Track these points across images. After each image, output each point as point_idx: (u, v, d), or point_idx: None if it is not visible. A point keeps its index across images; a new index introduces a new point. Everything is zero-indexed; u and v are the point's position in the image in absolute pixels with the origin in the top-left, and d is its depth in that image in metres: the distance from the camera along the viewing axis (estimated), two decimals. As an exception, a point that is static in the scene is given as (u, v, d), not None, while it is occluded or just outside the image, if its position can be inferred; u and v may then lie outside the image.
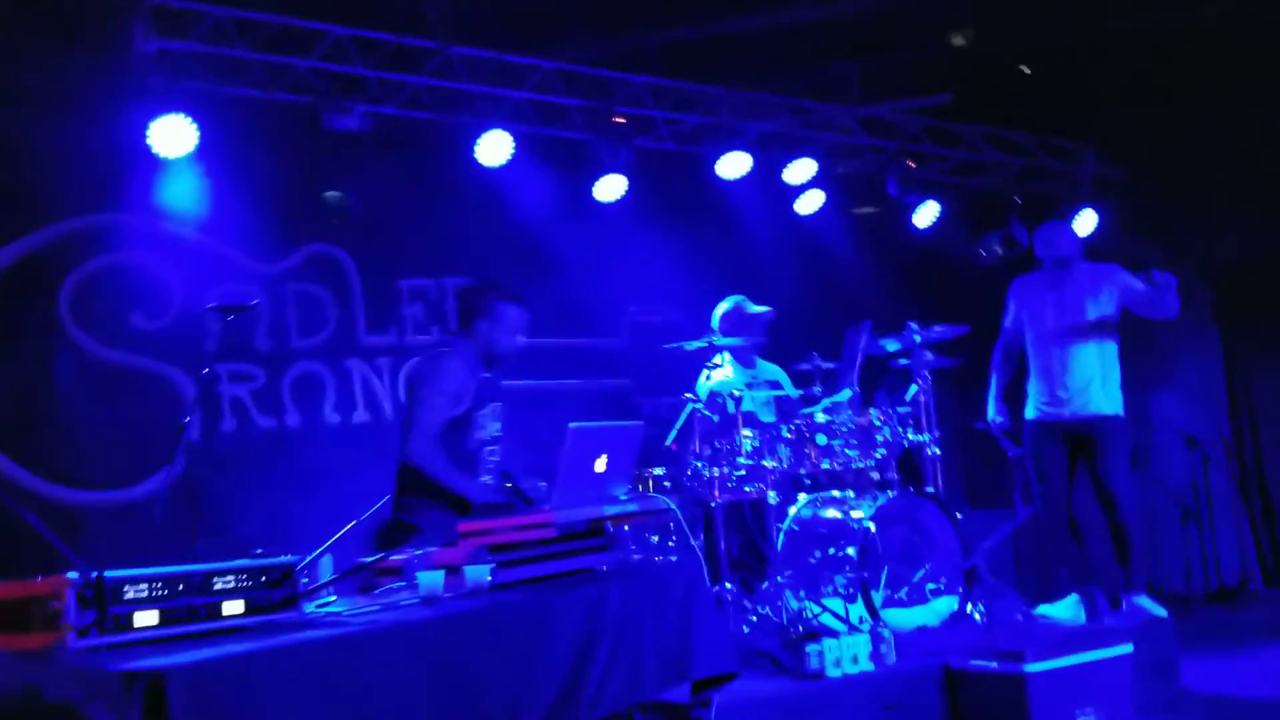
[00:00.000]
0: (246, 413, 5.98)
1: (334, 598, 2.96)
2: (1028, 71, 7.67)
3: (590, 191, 6.40)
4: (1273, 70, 7.14)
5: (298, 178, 5.89)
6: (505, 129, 5.91)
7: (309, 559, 2.86)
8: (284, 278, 6.10)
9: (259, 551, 2.89)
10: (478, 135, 5.89)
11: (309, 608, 2.82)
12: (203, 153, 5.28)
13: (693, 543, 3.46)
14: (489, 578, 2.99)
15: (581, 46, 6.14)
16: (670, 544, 4.24)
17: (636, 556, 3.76)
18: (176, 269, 5.78)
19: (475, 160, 5.93)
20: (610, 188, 6.35)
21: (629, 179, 6.32)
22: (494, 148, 5.90)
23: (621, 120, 6.05)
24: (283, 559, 2.76)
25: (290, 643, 2.49)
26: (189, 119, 5.13)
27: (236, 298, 4.82)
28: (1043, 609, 5.42)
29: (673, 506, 3.44)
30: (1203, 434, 7.84)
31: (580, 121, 6.23)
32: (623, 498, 3.41)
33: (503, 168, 5.99)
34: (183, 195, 5.63)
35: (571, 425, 3.20)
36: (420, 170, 6.23)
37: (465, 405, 4.11)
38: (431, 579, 2.91)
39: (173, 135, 5.18)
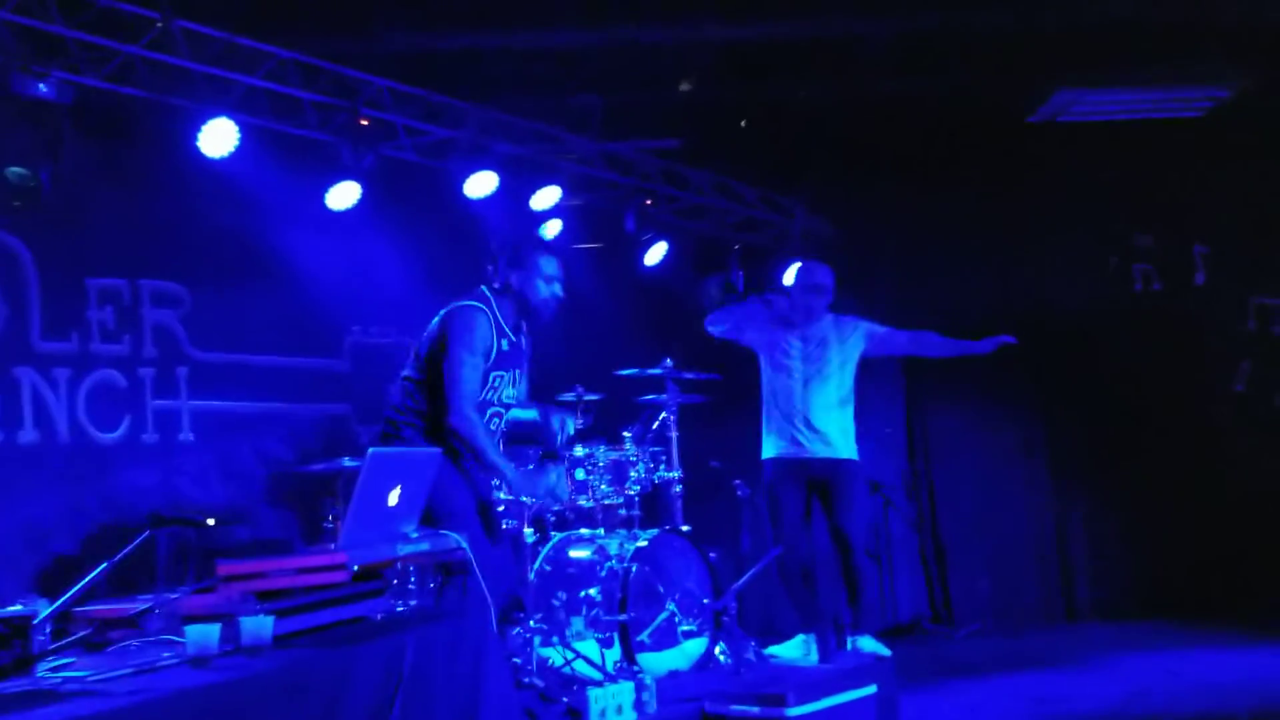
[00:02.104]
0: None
1: (73, 659, 2.38)
2: (744, 125, 7.99)
3: (320, 197, 5.85)
4: (968, 148, 7.87)
5: (-30, 149, 4.96)
6: (230, 117, 5.29)
7: (49, 611, 2.28)
8: (-61, 267, 5.11)
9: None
10: (197, 121, 5.22)
11: (42, 671, 2.24)
12: None
13: (483, 587, 3.12)
14: (270, 630, 2.53)
15: (323, 39, 5.64)
16: (450, 587, 3.85)
17: (428, 601, 3.37)
18: None
19: (192, 149, 5.24)
20: (344, 195, 5.83)
21: (364, 187, 5.85)
22: (217, 137, 5.25)
23: (365, 123, 5.59)
24: (12, 610, 2.18)
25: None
26: None
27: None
28: (773, 649, 5.47)
29: (464, 546, 3.10)
30: (886, 479, 8.35)
31: (314, 119, 5.71)
32: (413, 535, 3.03)
33: (224, 161, 5.34)
34: None
35: (371, 450, 2.79)
36: (125, 154, 5.45)
37: (485, 365, 3.99)
38: (203, 634, 2.41)
39: None
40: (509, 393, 4.15)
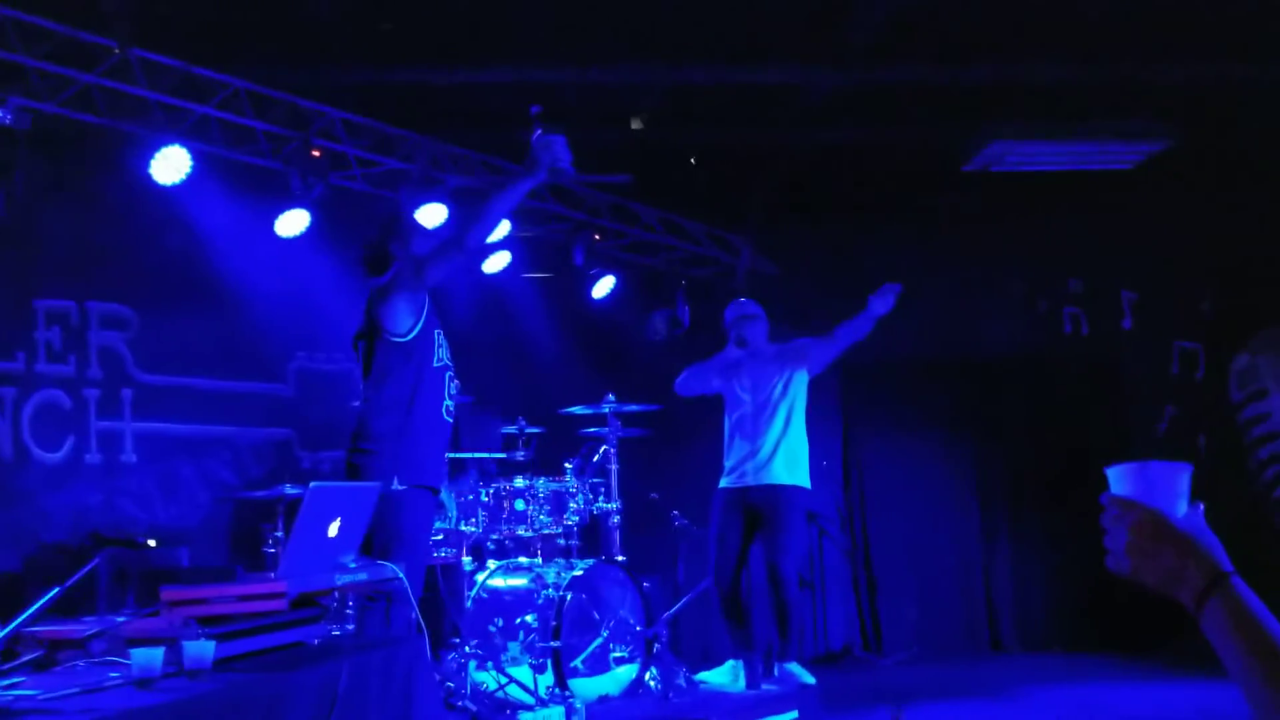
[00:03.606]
0: None
1: (22, 678, 2.48)
2: (693, 162, 8.20)
3: (269, 224, 5.95)
4: (906, 193, 8.14)
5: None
6: (183, 145, 5.39)
7: (4, 633, 2.38)
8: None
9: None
10: (150, 147, 5.33)
11: (-8, 692, 2.34)
12: None
13: (417, 614, 3.25)
14: (212, 655, 2.64)
15: (277, 71, 5.76)
16: (389, 613, 3.97)
17: (354, 628, 3.48)
18: None
19: (144, 174, 5.36)
20: (293, 222, 5.94)
21: (314, 216, 5.96)
22: (169, 164, 5.36)
23: (318, 154, 5.71)
24: (-36, 633, 2.28)
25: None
26: None
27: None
28: (703, 675, 5.62)
29: (401, 575, 3.23)
30: (822, 510, 8.56)
31: (267, 148, 5.82)
32: (351, 565, 3.15)
33: (175, 186, 5.45)
34: None
35: (312, 484, 2.92)
36: (77, 177, 5.53)
37: (422, 325, 4.05)
38: (147, 656, 2.52)
39: None
40: (447, 351, 4.27)
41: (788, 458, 5.79)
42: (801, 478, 5.79)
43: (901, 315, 8.56)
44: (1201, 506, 1.50)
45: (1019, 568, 8.83)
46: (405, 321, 4.07)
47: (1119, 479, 1.53)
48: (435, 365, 4.12)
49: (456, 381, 4.27)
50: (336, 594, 3.06)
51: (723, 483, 5.81)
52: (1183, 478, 1.51)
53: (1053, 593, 8.68)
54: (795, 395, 5.88)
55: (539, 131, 4.02)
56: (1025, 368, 8.72)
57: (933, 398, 8.71)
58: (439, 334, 4.21)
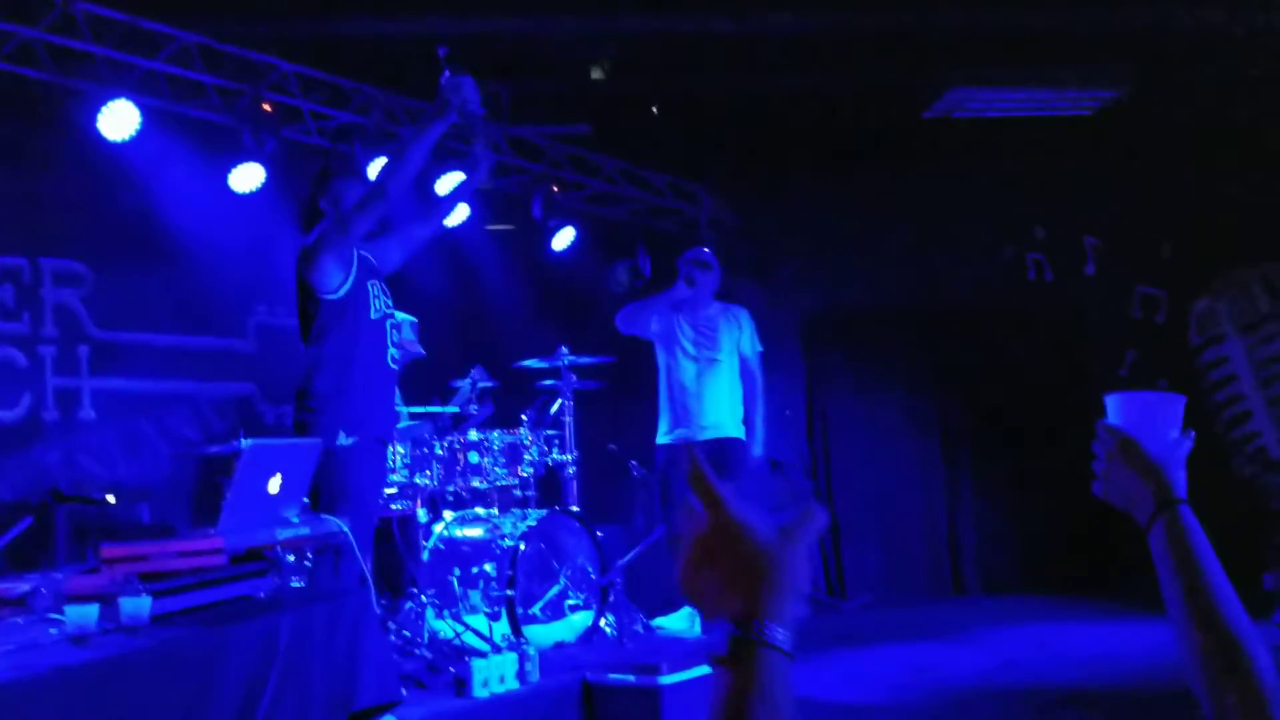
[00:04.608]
0: None
1: (-43, 637, 2.52)
2: (656, 112, 8.16)
3: (224, 179, 5.91)
4: (868, 141, 8.13)
5: None
6: (132, 100, 5.34)
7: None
8: None
9: None
10: (98, 103, 5.27)
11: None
12: None
13: (363, 567, 3.31)
14: (148, 610, 2.69)
15: (228, 23, 5.69)
16: (336, 566, 4.02)
17: (301, 582, 3.53)
18: None
19: (93, 130, 5.30)
20: (247, 177, 5.91)
21: (269, 170, 5.93)
22: (118, 119, 5.31)
23: (269, 108, 5.67)
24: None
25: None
26: None
27: None
28: (659, 621, 5.72)
29: (345, 529, 3.27)
30: (785, 458, 8.65)
31: (218, 102, 5.77)
32: (294, 520, 3.20)
33: (126, 142, 5.40)
34: None
35: (248, 441, 2.95)
36: (25, 135, 5.47)
37: (353, 279, 4.07)
38: (82, 614, 2.56)
39: None
40: (386, 300, 4.30)
41: (732, 412, 5.90)
42: (742, 429, 5.91)
43: (865, 264, 8.68)
44: (1192, 436, 1.55)
45: (982, 512, 8.95)
46: (335, 278, 4.08)
47: (1115, 407, 1.57)
48: (373, 317, 4.15)
49: (412, 322, 4.30)
50: (294, 549, 3.10)
51: (665, 436, 5.88)
52: (1174, 408, 1.55)
53: (1015, 536, 8.81)
54: (737, 354, 5.99)
55: (447, 73, 4.06)
56: (988, 314, 8.77)
57: (896, 345, 8.78)
58: (374, 284, 4.22)
